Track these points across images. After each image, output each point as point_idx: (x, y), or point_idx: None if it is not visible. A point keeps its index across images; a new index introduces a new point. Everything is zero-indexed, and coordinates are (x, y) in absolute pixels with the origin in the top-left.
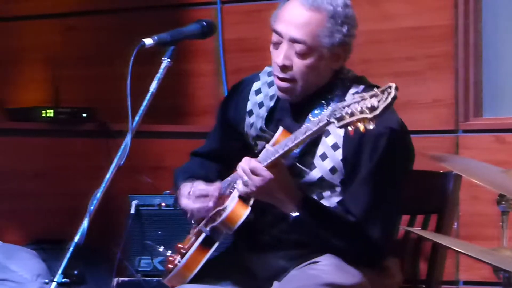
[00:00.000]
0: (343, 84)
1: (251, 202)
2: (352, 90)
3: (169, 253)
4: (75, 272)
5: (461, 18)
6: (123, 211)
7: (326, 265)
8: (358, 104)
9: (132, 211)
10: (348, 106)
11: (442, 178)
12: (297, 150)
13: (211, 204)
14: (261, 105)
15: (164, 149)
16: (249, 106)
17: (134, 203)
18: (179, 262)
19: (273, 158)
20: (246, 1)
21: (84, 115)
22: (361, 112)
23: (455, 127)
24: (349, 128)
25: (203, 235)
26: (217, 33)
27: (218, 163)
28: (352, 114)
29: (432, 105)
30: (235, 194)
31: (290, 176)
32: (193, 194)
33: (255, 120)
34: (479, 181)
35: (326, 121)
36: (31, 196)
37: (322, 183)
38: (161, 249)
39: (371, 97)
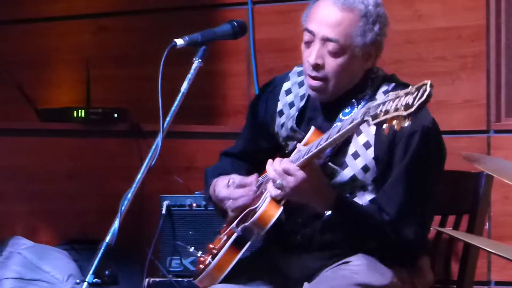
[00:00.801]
0: (373, 83)
1: (283, 202)
2: (383, 89)
3: (199, 253)
4: (107, 272)
5: (493, 18)
6: (155, 211)
7: (358, 265)
8: (392, 102)
9: (163, 211)
10: (383, 104)
11: (474, 178)
12: (328, 150)
13: (252, 191)
14: (291, 105)
15: (196, 149)
16: (279, 106)
17: (165, 203)
18: (210, 262)
19: (306, 157)
20: (277, 2)
21: (116, 115)
22: (396, 110)
23: (486, 127)
24: (384, 126)
25: (234, 235)
26: (249, 33)
27: (249, 163)
28: (386, 112)
29: (464, 106)
30: (267, 195)
31: (323, 176)
32: (232, 184)
33: (285, 120)
34: (510, 182)
35: (360, 119)
36: (63, 196)
37: (354, 182)
38: (192, 249)
39: (405, 95)
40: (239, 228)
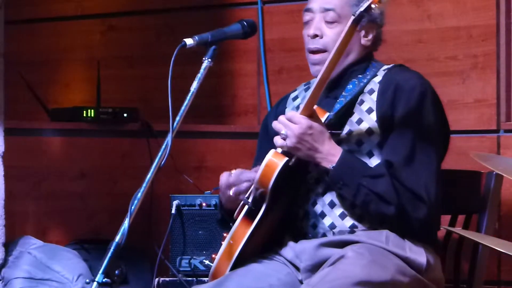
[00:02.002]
0: (375, 66)
1: (293, 160)
2: (384, 67)
3: (207, 262)
4: (116, 272)
5: (503, 18)
6: (165, 211)
7: (357, 258)
8: None
9: (173, 211)
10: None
11: (484, 178)
12: (329, 116)
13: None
14: (298, 108)
15: (206, 149)
16: (287, 112)
17: (175, 203)
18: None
19: (307, 98)
20: (288, 1)
21: (126, 115)
22: None
23: (496, 127)
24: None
25: (245, 208)
26: (258, 33)
27: None
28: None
29: (474, 105)
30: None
31: (326, 130)
32: (235, 173)
33: None
34: None
35: (352, 17)
36: (74, 196)
37: (360, 148)
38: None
39: None
40: (250, 200)
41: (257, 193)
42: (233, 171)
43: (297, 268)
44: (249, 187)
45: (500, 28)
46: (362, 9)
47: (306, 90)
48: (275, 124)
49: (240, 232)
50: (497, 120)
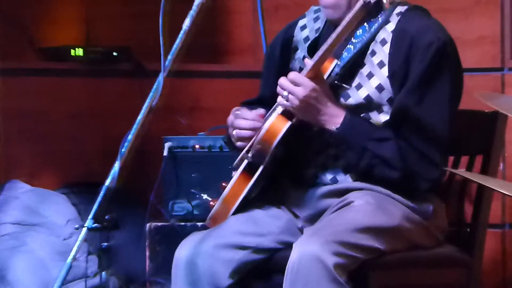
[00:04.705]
0: (387, 8)
1: (294, 120)
2: (396, 11)
3: (205, 196)
4: (107, 217)
5: None
6: (158, 153)
7: (362, 206)
8: None
9: (165, 153)
10: None
11: (488, 117)
12: (337, 69)
13: (255, 125)
14: (306, 39)
15: (200, 89)
16: (294, 43)
17: (167, 145)
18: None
19: (314, 61)
20: None
21: (116, 54)
22: None
23: (501, 65)
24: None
25: (245, 162)
26: None
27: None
28: None
29: (477, 42)
30: (275, 112)
31: (331, 92)
32: (240, 114)
33: (299, 56)
34: None
35: (362, 2)
36: (63, 138)
37: (369, 104)
38: (205, 196)
39: None
40: (249, 154)
41: (257, 150)
42: (239, 111)
43: (296, 216)
44: (252, 136)
45: None
46: None
47: (315, 20)
48: (279, 85)
49: (238, 187)
50: (502, 58)
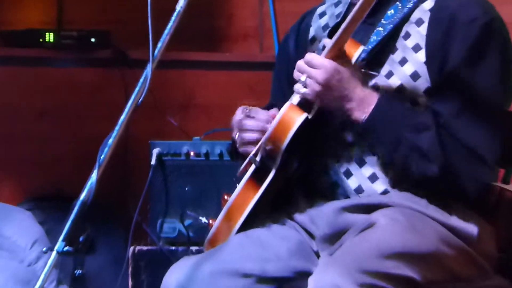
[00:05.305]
0: None
1: (313, 112)
2: None
3: (203, 220)
4: (81, 238)
5: None
6: (143, 161)
7: (390, 225)
8: None
9: (153, 161)
10: None
11: None
12: (364, 54)
13: (262, 127)
14: (325, 27)
15: (195, 82)
16: (311, 33)
17: (155, 151)
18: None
19: (337, 35)
20: None
21: (93, 39)
22: None
23: None
24: None
25: (252, 167)
26: None
27: None
28: None
29: None
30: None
31: (357, 72)
32: (248, 112)
33: (319, 47)
34: None
35: None
36: (30, 140)
37: (402, 94)
38: (203, 220)
39: None
40: (258, 158)
41: (266, 152)
42: (249, 109)
43: (311, 235)
44: (259, 139)
45: None
46: None
47: (336, 4)
48: (295, 71)
49: (244, 197)
50: None
